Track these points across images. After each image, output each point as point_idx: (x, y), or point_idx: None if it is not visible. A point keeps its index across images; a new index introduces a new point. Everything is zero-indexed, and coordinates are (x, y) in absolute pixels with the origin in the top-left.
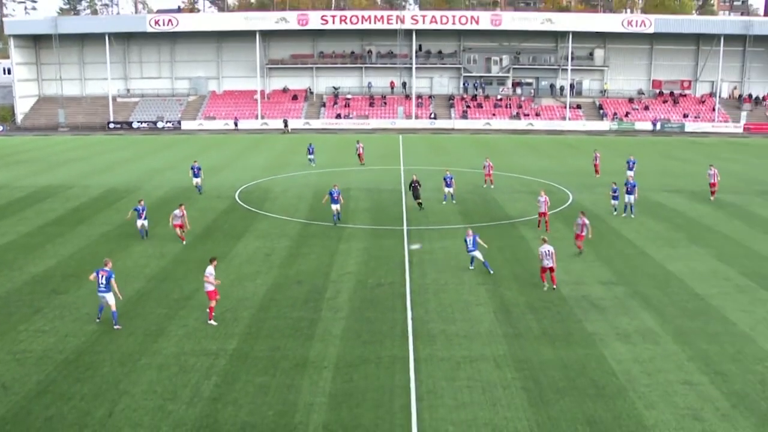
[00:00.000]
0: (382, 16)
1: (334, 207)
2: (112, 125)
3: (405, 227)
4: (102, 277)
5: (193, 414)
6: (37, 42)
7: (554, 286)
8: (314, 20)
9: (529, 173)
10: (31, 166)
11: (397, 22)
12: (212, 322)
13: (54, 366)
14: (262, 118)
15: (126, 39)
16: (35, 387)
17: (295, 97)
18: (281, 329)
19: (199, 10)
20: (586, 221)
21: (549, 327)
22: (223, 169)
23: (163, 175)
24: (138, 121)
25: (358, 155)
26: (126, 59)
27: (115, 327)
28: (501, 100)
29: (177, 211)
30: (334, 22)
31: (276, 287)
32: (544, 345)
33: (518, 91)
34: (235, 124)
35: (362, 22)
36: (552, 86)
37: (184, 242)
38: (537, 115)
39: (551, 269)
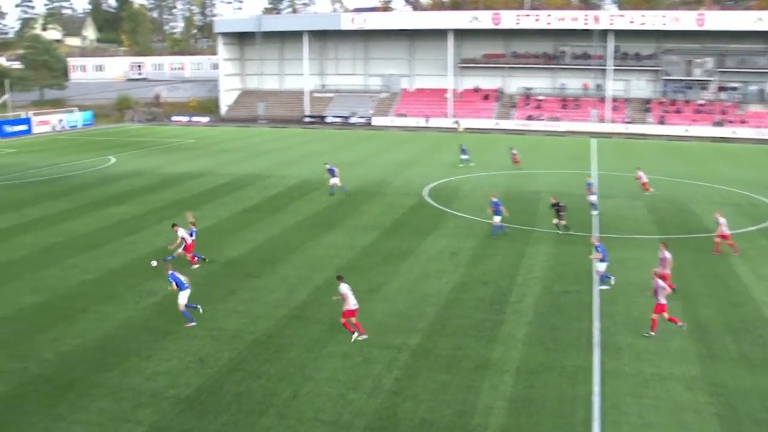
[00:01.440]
0: (576, 17)
1: (497, 219)
2: (307, 119)
3: (595, 233)
4: (180, 275)
5: (373, 405)
6: (241, 39)
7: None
8: (507, 20)
9: (730, 184)
10: (232, 155)
11: (593, 23)
12: (358, 336)
13: (245, 345)
14: (453, 116)
15: (322, 36)
16: (227, 363)
17: (486, 97)
18: (464, 329)
19: (392, 9)
20: None
21: (749, 350)
22: (412, 165)
23: (353, 169)
24: (332, 116)
25: (514, 161)
26: (322, 56)
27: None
28: (703, 105)
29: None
30: (527, 22)
31: (461, 286)
32: (743, 370)
33: (723, 96)
34: (426, 122)
35: (556, 22)
36: (762, 91)
37: (196, 265)
38: (743, 122)
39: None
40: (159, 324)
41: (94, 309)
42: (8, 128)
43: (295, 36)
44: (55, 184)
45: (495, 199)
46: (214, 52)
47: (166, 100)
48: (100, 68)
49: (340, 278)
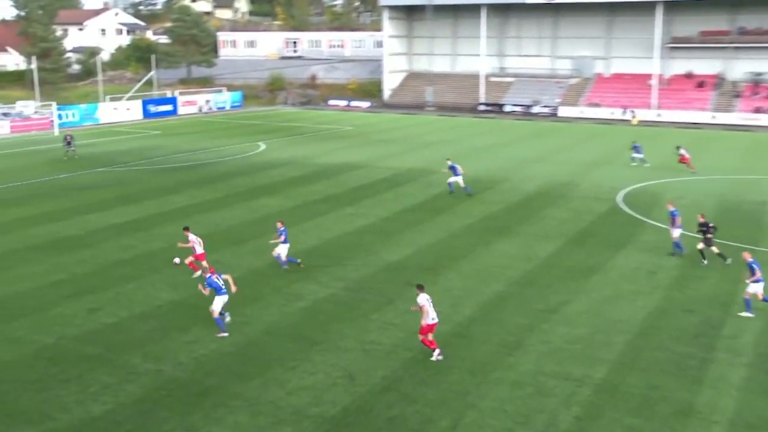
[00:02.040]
0: None
1: (675, 233)
2: (481, 107)
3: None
4: (218, 279)
5: None
6: (410, 14)
7: None
8: None
9: None
10: (394, 146)
11: None
12: (438, 356)
13: (400, 363)
14: (657, 108)
15: (503, 11)
16: (380, 382)
17: (700, 84)
18: (662, 364)
19: None
20: None
21: None
22: (604, 164)
23: (533, 167)
24: (511, 104)
25: (684, 162)
26: (502, 34)
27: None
28: None
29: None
30: None
31: (659, 313)
32: None
33: None
34: (624, 113)
35: None
36: None
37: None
38: None
39: None
40: (306, 332)
41: (235, 311)
42: (153, 108)
43: (471, 10)
44: (199, 171)
45: (672, 209)
46: (378, 28)
47: (323, 81)
48: (251, 44)
49: (420, 287)
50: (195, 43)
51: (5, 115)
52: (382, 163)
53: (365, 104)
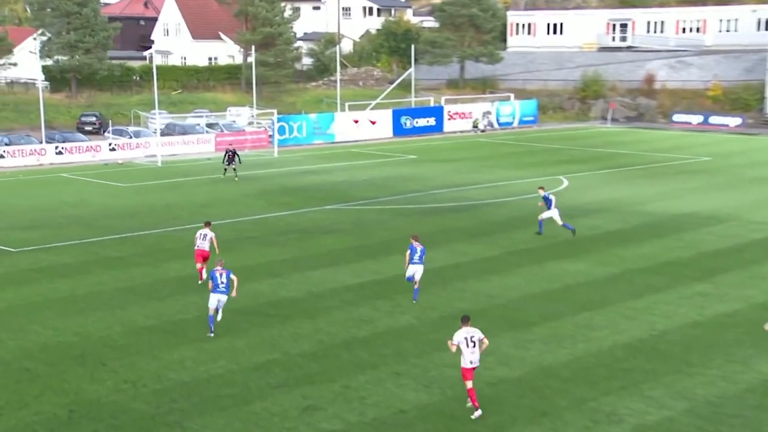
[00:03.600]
0: None
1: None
2: None
3: None
4: (221, 275)
5: None
6: None
7: None
8: None
9: None
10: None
11: None
12: (477, 411)
13: None
14: None
15: None
16: None
17: None
18: None
19: None
20: None
21: None
22: None
23: None
24: None
25: None
26: None
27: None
28: None
29: (203, 231)
30: None
31: None
32: None
33: None
34: None
35: None
36: None
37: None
38: None
39: None
40: None
41: None
42: (407, 121)
43: None
44: (468, 215)
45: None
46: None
47: (665, 85)
48: (556, 29)
49: (465, 320)
50: (474, 27)
51: (211, 126)
52: (756, 215)
53: (734, 121)
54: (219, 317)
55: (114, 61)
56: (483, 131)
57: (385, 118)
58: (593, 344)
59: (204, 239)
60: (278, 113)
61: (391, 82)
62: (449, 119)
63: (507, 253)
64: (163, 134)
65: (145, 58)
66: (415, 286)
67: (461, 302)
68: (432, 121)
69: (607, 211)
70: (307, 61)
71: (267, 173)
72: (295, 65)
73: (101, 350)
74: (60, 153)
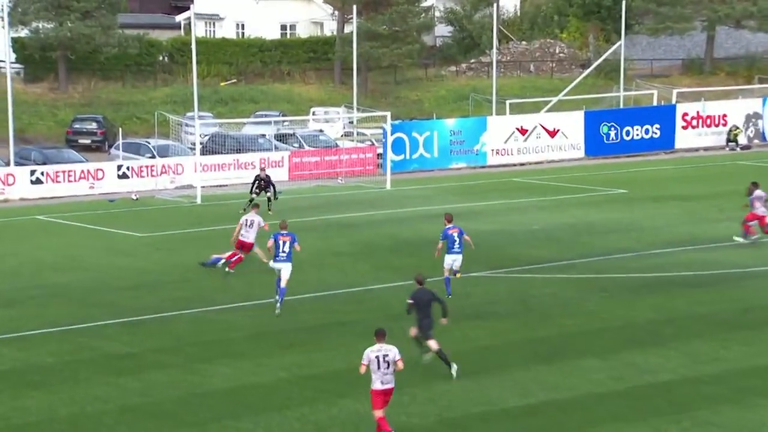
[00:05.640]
0: None
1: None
2: None
3: None
4: (284, 243)
5: None
6: None
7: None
8: None
9: None
10: None
11: None
12: None
13: None
14: None
15: None
16: None
17: None
18: None
19: None
20: None
21: None
22: None
23: None
24: None
25: None
26: None
27: (277, 311)
28: None
29: (250, 217)
30: None
31: None
32: None
33: None
34: None
35: None
36: None
37: (232, 270)
38: None
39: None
40: None
41: None
42: (614, 132)
43: None
44: (719, 292)
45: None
46: None
47: None
48: None
49: (379, 335)
50: None
51: (284, 139)
52: None
53: None
54: (283, 284)
55: (128, 32)
56: (746, 148)
57: (572, 125)
58: None
59: (250, 227)
60: (394, 118)
61: (585, 66)
62: (685, 127)
63: None
64: (205, 151)
65: (178, 27)
66: (457, 276)
67: None
68: (655, 131)
69: None
70: (443, 31)
71: (373, 217)
72: (423, 39)
73: None
74: (38, 182)
